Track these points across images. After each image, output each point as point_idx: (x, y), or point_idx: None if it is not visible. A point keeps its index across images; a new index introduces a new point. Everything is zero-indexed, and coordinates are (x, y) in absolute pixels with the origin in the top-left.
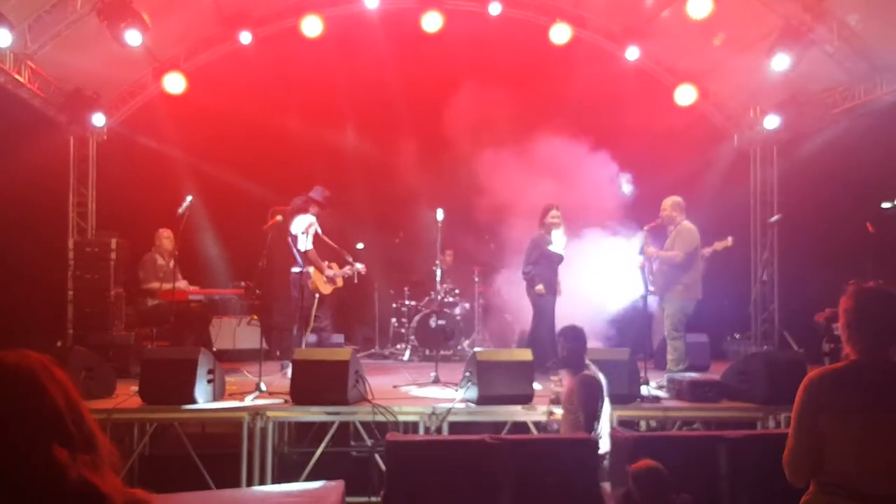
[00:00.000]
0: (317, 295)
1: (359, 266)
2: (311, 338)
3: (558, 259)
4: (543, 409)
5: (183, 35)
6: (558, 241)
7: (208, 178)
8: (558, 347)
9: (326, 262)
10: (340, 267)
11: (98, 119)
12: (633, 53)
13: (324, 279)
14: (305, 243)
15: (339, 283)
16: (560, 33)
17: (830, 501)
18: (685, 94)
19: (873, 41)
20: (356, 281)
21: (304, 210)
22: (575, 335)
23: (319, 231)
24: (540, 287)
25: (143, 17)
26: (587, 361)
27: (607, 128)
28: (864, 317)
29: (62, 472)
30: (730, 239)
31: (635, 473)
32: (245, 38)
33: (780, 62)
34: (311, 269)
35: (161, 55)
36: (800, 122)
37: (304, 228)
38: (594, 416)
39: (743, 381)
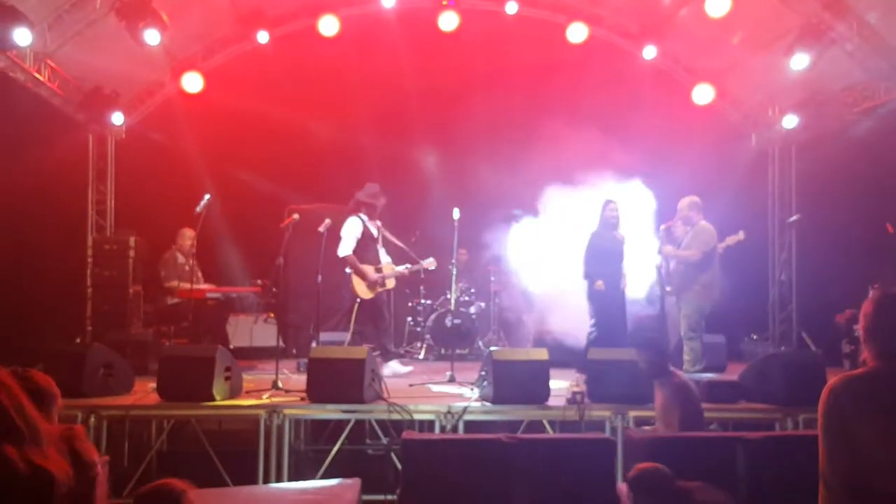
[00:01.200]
0: (357, 299)
1: (425, 262)
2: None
3: (618, 253)
4: (559, 408)
5: (200, 34)
6: (616, 235)
7: (226, 176)
8: (639, 362)
9: (376, 266)
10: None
11: (117, 118)
12: (650, 52)
13: (364, 284)
14: (344, 248)
15: (390, 284)
16: (576, 32)
17: None
18: (703, 94)
19: (893, 39)
20: (422, 276)
21: (353, 212)
22: (649, 345)
23: (374, 232)
24: (600, 283)
25: (162, 17)
26: (671, 369)
27: (624, 127)
28: (884, 323)
29: (13, 465)
30: (741, 233)
31: (631, 482)
32: (262, 37)
33: (799, 61)
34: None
35: (179, 54)
36: (819, 122)
37: (346, 232)
38: (694, 421)
39: (761, 382)
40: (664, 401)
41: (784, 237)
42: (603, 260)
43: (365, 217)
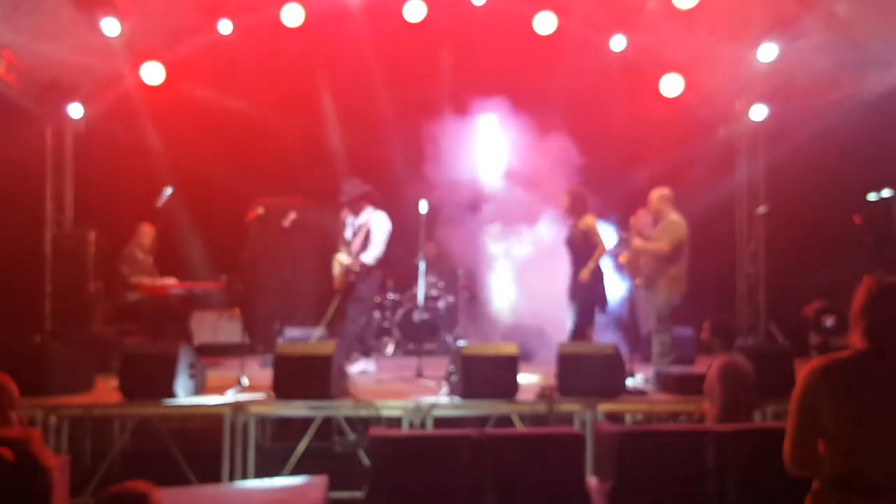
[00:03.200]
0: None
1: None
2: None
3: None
4: (528, 403)
5: (162, 24)
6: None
7: (188, 170)
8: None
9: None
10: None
11: (75, 110)
12: (619, 43)
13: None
14: (382, 247)
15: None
16: (545, 23)
17: (842, 498)
18: (671, 85)
19: (861, 31)
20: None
21: (361, 204)
22: (718, 321)
23: (347, 224)
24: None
25: (121, 6)
26: (732, 352)
27: (592, 119)
28: (873, 307)
29: None
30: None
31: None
32: (225, 27)
33: (767, 52)
34: None
35: (140, 45)
36: (787, 114)
37: (383, 229)
38: (729, 406)
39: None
40: (711, 380)
41: (752, 229)
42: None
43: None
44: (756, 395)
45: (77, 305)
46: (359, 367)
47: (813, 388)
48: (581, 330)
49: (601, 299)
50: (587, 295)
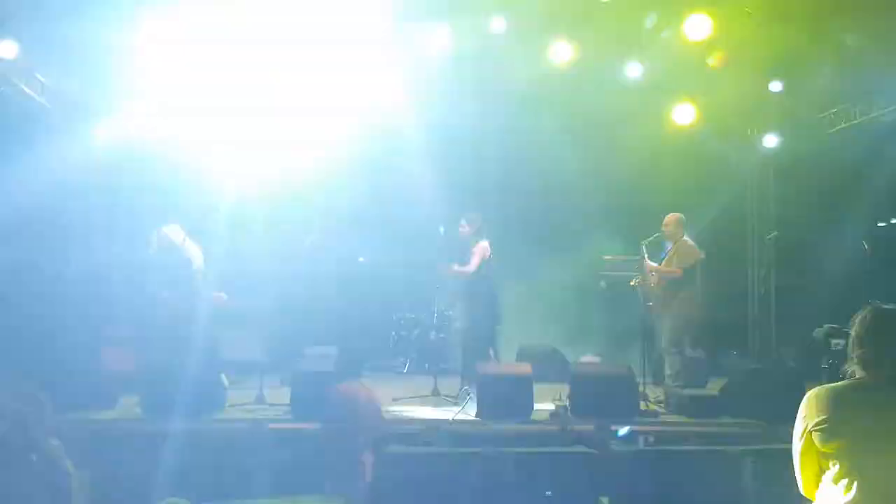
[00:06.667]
0: None
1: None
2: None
3: None
4: (543, 422)
5: None
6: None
7: None
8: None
9: None
10: None
11: None
12: (633, 71)
13: None
14: None
15: None
16: (560, 52)
17: None
18: (683, 113)
19: (870, 62)
20: None
21: None
22: None
23: None
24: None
25: None
26: None
27: (606, 144)
28: (871, 334)
29: None
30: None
31: None
32: None
33: (778, 83)
34: None
35: None
36: (797, 141)
37: None
38: None
39: (741, 396)
40: None
41: (763, 254)
42: None
43: None
44: None
45: None
46: None
47: (809, 417)
48: None
49: None
50: None
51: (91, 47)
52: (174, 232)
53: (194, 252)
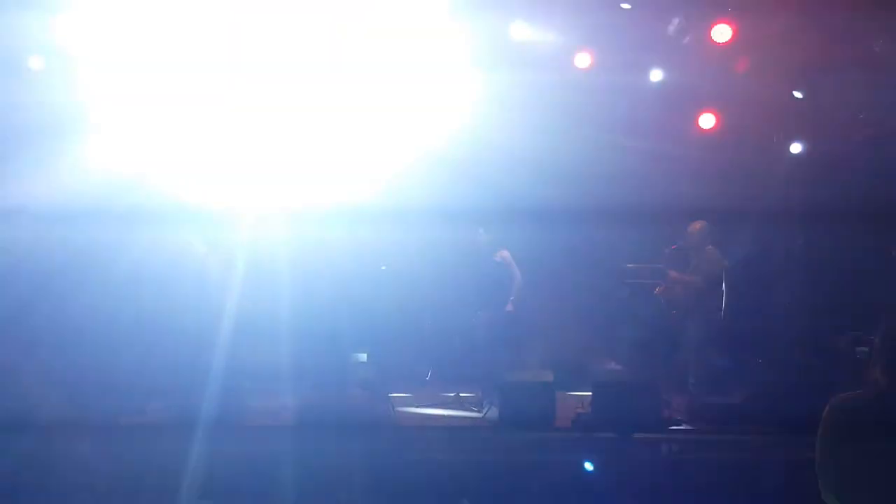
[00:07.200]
0: None
1: None
2: None
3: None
4: (564, 430)
5: None
6: None
7: None
8: None
9: None
10: None
11: None
12: (655, 76)
13: None
14: None
15: None
16: (582, 60)
17: None
18: (706, 119)
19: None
20: None
21: None
22: None
23: None
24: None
25: None
26: None
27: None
28: (890, 347)
29: None
30: None
31: None
32: None
33: (803, 88)
34: None
35: None
36: (824, 149)
37: None
38: None
39: (765, 405)
40: None
41: (789, 262)
42: None
43: None
44: None
45: None
46: None
47: (828, 427)
48: None
49: None
50: None
51: None
52: (200, 238)
53: (224, 258)
